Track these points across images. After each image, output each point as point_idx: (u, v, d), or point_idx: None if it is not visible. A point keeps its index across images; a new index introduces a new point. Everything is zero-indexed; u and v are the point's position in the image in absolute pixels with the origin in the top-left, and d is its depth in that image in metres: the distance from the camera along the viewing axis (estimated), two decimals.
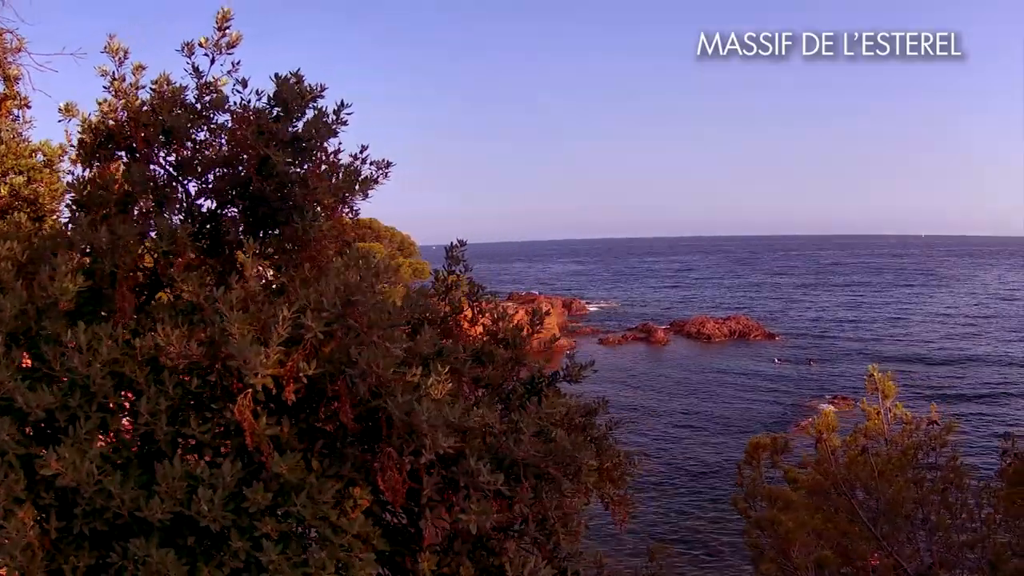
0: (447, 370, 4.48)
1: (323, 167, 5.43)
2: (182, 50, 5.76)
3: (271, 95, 5.53)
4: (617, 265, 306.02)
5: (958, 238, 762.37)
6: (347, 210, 6.12)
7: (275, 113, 5.52)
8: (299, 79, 5.69)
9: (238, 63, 5.88)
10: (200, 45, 5.79)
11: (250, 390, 4.05)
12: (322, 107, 5.57)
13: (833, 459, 16.63)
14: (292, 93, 5.48)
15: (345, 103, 5.58)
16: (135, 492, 4.05)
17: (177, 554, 4.04)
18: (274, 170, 5.27)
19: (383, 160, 6.31)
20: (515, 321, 6.80)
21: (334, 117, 5.59)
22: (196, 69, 5.82)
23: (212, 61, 5.86)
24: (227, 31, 5.83)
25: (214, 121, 5.75)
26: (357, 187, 5.76)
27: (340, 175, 5.84)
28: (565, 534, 4.78)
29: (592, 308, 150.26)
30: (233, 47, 5.84)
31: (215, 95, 5.76)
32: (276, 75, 5.54)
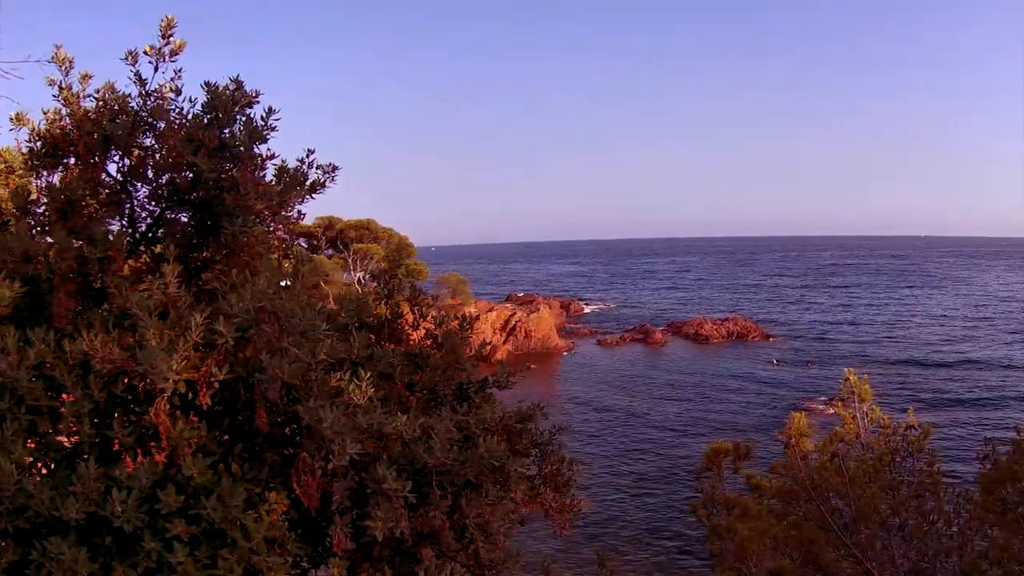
0: (370, 375, 4.56)
1: (253, 172, 5.47)
2: (126, 59, 5.82)
3: (203, 103, 5.60)
4: (616, 266, 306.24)
5: (957, 239, 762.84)
6: (290, 214, 6.23)
7: (207, 120, 5.58)
8: (239, 84, 5.78)
9: (180, 70, 5.93)
10: (145, 53, 5.86)
11: (166, 394, 4.12)
12: (250, 114, 5.65)
13: (804, 464, 16.37)
14: (223, 100, 5.54)
15: (273, 109, 5.70)
16: (53, 492, 4.11)
17: (93, 553, 4.10)
18: (201, 176, 5.33)
19: (329, 164, 6.42)
20: (463, 325, 6.86)
21: (262, 123, 5.66)
22: (139, 77, 5.86)
23: (156, 69, 5.90)
24: (171, 39, 5.90)
25: (158, 128, 5.76)
26: (296, 192, 5.85)
27: (286, 180, 5.95)
28: (484, 542, 4.77)
29: (590, 309, 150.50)
30: (176, 55, 5.90)
31: (158, 102, 5.81)
32: (207, 83, 5.63)
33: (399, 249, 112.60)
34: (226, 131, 5.54)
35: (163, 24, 5.88)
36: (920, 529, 14.98)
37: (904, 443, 16.12)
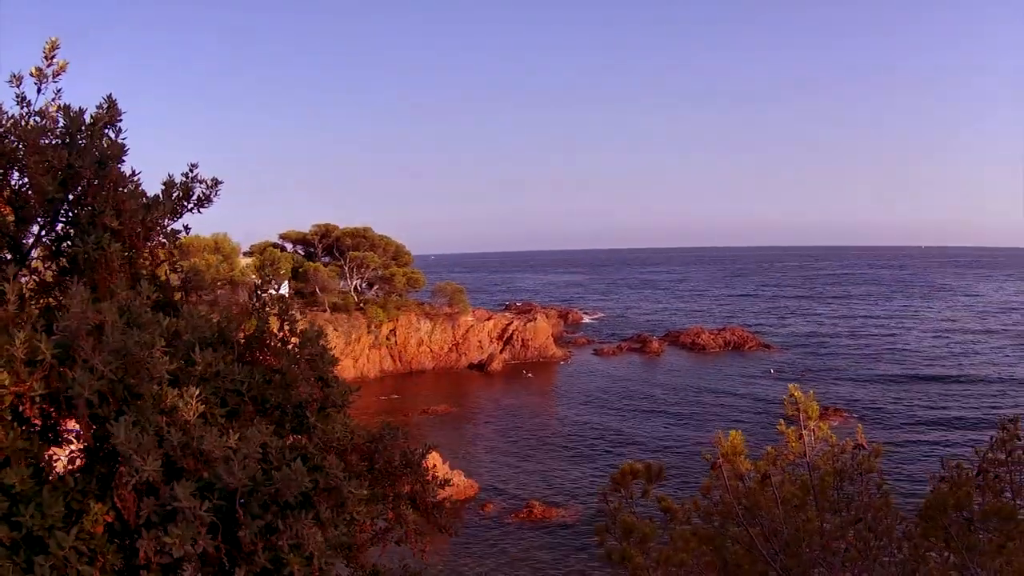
0: (200, 392, 4.69)
1: (110, 191, 5.59)
2: (11, 81, 5.96)
3: (61, 127, 5.75)
4: (615, 275, 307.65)
5: (958, 248, 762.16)
6: (175, 229, 6.40)
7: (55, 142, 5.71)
8: (112, 103, 5.96)
9: (60, 91, 6.05)
10: (31, 75, 6.01)
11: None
12: (100, 134, 5.78)
13: (732, 485, 15.89)
14: (77, 124, 5.68)
15: (120, 132, 5.85)
16: None
17: None
18: (47, 195, 5.47)
19: (212, 179, 6.57)
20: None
21: (106, 145, 5.80)
22: (23, 98, 5.99)
23: (39, 91, 6.03)
24: (54, 60, 6.05)
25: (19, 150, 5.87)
26: (168, 208, 6.00)
27: (161, 196, 6.11)
28: (300, 565, 4.80)
29: (588, 319, 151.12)
30: (59, 75, 6.06)
31: (12, 121, 5.93)
32: (66, 106, 5.79)
33: (396, 257, 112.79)
34: (77, 152, 5.63)
35: (47, 47, 6.05)
36: (853, 555, 14.26)
37: (852, 463, 15.29)
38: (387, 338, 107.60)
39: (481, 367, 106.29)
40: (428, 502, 6.30)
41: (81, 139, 5.73)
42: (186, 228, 6.53)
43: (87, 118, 5.90)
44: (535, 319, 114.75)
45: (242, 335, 6.03)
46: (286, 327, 6.35)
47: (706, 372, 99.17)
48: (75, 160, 5.51)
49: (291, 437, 5.51)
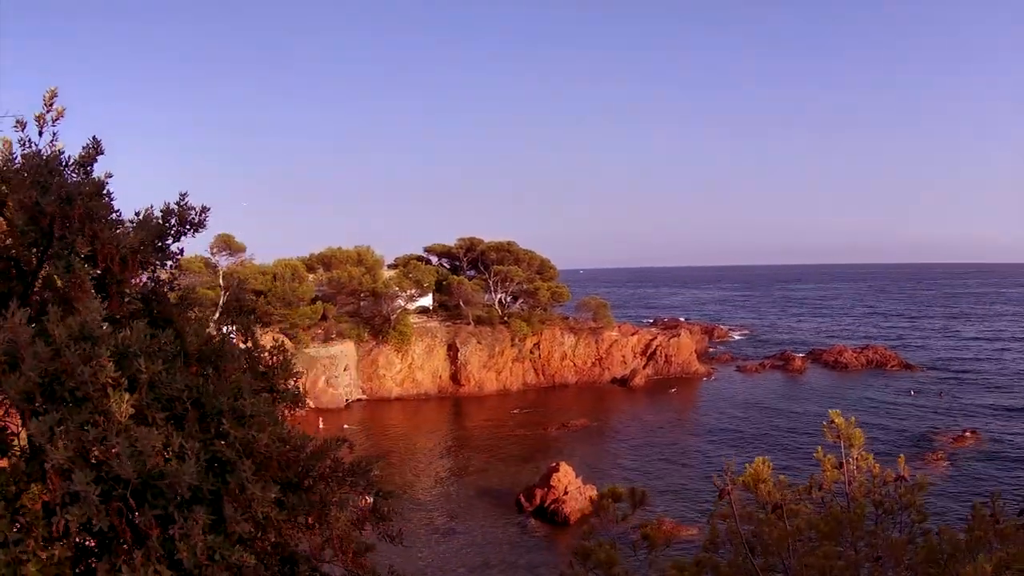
0: (130, 397, 5.46)
1: (73, 225, 6.41)
2: (15, 126, 6.84)
3: (35, 168, 6.62)
4: (764, 292, 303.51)
5: None
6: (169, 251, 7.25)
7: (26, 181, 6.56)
8: (96, 143, 6.91)
9: (55, 135, 6.95)
10: (36, 119, 6.90)
11: None
12: (62, 173, 6.63)
13: (751, 515, 14.81)
14: (46, 165, 6.55)
15: (91, 173, 6.74)
16: None
17: None
18: (19, 228, 6.33)
19: (201, 206, 7.40)
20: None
21: (79, 183, 6.66)
22: (29, 141, 6.85)
23: (40, 133, 6.91)
24: (53, 106, 6.95)
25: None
26: (154, 233, 6.84)
27: (154, 223, 6.97)
28: (187, 552, 5.30)
29: (733, 335, 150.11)
30: (57, 121, 6.95)
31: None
32: (27, 153, 6.67)
33: (541, 271, 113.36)
34: (42, 191, 6.44)
35: (47, 95, 6.96)
36: None
37: (893, 496, 14.45)
38: (531, 352, 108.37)
39: (624, 382, 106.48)
40: (365, 512, 6.87)
41: (49, 180, 6.52)
42: (180, 251, 7.34)
43: (65, 159, 6.78)
44: (679, 335, 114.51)
45: (195, 347, 6.68)
46: (249, 341, 7.04)
47: (846, 391, 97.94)
48: (40, 198, 6.29)
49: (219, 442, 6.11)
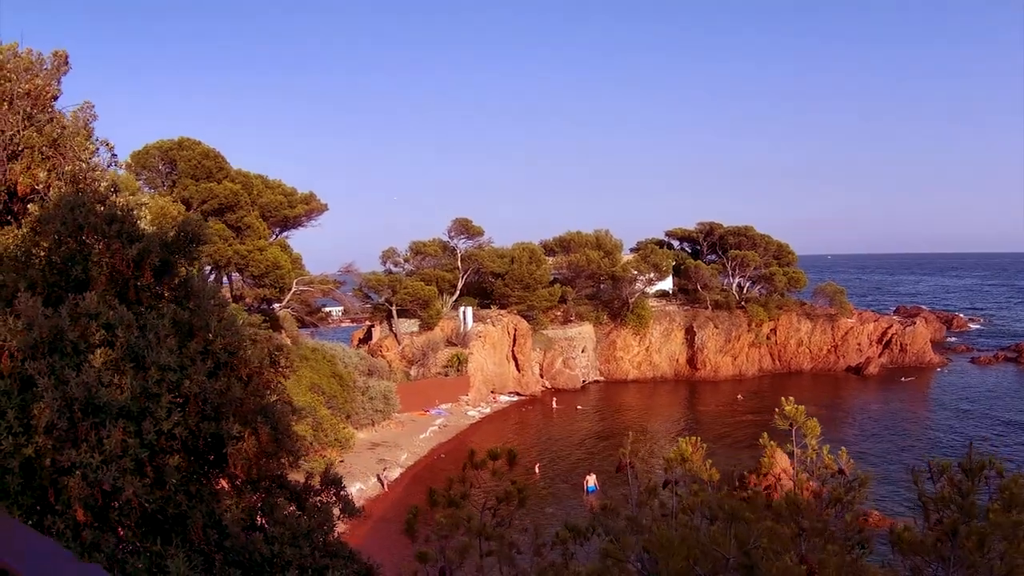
0: (112, 353, 8.59)
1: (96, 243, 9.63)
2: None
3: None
4: (1015, 280, 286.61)
5: None
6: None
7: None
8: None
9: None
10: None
11: None
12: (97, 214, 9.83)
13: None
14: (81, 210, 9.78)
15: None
16: None
17: None
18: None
19: (196, 227, 10.52)
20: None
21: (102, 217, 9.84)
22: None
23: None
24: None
25: None
26: (151, 249, 9.98)
27: (152, 242, 10.14)
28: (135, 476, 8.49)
29: (973, 325, 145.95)
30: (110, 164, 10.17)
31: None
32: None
33: (778, 256, 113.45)
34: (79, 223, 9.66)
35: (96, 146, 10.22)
36: None
37: (827, 489, 13.75)
38: (767, 337, 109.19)
39: (857, 370, 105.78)
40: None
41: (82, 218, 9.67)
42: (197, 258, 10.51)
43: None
44: (914, 323, 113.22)
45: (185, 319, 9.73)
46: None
47: None
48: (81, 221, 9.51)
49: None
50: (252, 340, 10.06)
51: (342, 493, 10.85)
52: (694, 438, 15.30)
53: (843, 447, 15.05)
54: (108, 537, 8.02)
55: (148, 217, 11.68)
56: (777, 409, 15.09)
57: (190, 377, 8.73)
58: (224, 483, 9.73)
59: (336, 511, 10.77)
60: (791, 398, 15.37)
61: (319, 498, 10.77)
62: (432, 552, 12.22)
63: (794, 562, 9.34)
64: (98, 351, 8.50)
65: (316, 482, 10.79)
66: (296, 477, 10.56)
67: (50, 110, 12.03)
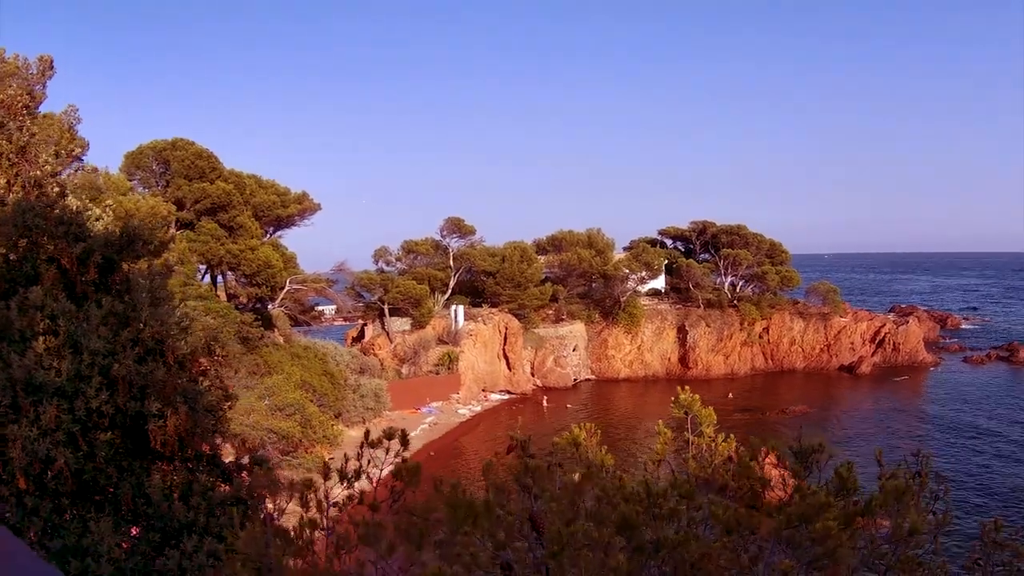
0: (54, 339, 9.63)
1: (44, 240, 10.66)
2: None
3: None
4: (1013, 281, 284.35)
5: None
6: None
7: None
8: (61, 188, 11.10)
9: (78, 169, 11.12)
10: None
11: None
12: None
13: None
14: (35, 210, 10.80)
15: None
16: None
17: None
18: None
19: (156, 225, 11.52)
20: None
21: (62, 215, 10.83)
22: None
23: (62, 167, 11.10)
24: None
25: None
26: (97, 248, 10.96)
27: (97, 242, 11.13)
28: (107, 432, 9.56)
29: (967, 325, 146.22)
30: (83, 154, 11.17)
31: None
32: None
33: (770, 254, 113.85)
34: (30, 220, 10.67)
35: (71, 149, 11.23)
36: None
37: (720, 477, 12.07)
38: (759, 336, 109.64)
39: (850, 369, 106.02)
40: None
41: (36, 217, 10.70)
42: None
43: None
44: (907, 323, 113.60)
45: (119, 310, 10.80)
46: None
47: None
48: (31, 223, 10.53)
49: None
50: (183, 330, 11.01)
51: (270, 473, 11.78)
52: (590, 424, 14.90)
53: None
54: (46, 503, 9.02)
55: (108, 218, 12.60)
56: (673, 398, 15.23)
57: (119, 361, 9.74)
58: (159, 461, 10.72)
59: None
60: (687, 387, 15.47)
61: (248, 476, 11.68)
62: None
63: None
64: (41, 338, 9.54)
65: (246, 461, 11.80)
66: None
67: (21, 118, 12.93)
